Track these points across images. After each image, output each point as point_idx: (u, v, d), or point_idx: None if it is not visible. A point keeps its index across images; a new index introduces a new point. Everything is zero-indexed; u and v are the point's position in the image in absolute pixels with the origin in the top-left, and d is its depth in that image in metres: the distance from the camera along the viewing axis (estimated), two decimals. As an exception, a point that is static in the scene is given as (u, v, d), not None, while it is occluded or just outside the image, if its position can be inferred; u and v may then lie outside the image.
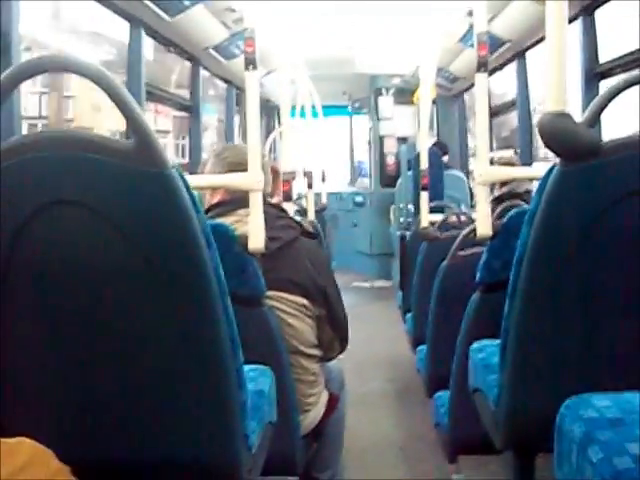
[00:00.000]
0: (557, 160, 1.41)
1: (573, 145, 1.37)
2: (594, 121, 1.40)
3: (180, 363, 1.35)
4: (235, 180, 2.11)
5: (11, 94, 1.30)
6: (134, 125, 1.24)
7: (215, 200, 2.31)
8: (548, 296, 1.48)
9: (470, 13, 4.05)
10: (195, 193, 1.34)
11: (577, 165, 1.38)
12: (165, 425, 1.38)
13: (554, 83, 1.46)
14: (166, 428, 1.38)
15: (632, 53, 3.29)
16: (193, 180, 2.55)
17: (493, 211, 2.93)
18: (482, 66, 2.38)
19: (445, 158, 6.35)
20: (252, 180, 2.03)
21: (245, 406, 1.45)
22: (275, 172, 2.45)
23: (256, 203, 2.02)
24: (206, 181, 2.53)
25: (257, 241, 1.99)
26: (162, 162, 1.24)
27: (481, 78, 2.40)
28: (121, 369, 1.36)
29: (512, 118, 5.98)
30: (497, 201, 3.51)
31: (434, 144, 6.54)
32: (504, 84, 5.84)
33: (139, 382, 1.36)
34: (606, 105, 1.43)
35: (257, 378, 1.74)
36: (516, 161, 4.40)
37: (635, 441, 1.01)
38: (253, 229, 1.99)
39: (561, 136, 1.38)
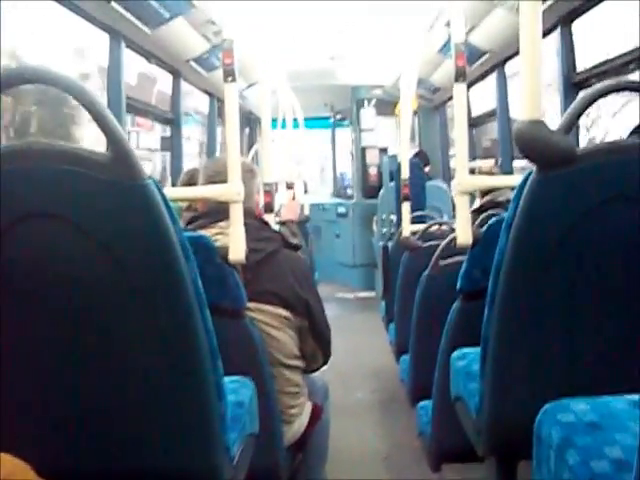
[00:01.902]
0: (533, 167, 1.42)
1: (549, 152, 1.38)
2: (570, 128, 1.41)
3: (159, 375, 1.34)
4: (215, 192, 2.11)
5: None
6: (111, 137, 1.24)
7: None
8: (527, 303, 1.49)
9: (449, 24, 4.08)
10: (174, 205, 1.34)
11: (553, 172, 1.39)
12: (144, 437, 1.38)
13: (530, 91, 1.47)
14: (145, 440, 1.38)
15: (610, 61, 3.32)
16: (174, 192, 2.56)
17: (474, 221, 2.94)
18: (460, 76, 2.39)
19: (427, 169, 6.37)
20: (232, 192, 2.03)
21: (225, 418, 1.45)
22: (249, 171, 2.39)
23: (236, 214, 2.02)
24: (187, 193, 2.53)
25: (238, 252, 1.99)
26: (139, 174, 1.24)
27: (459, 88, 2.42)
28: (99, 381, 1.35)
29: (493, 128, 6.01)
30: (478, 211, 3.52)
31: (415, 155, 6.56)
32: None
33: (118, 394, 1.36)
34: (582, 112, 1.44)
35: (238, 390, 1.74)
36: (496, 171, 4.42)
37: (613, 445, 1.01)
38: (234, 240, 1.99)
39: (537, 143, 1.39)
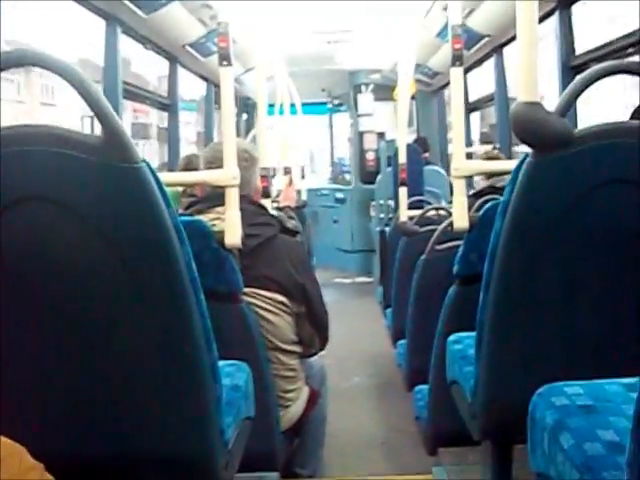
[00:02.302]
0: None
1: (545, 135, 1.37)
2: (566, 111, 1.40)
3: (153, 358, 1.34)
4: (211, 176, 2.10)
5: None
6: (104, 120, 1.24)
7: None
8: (522, 287, 1.49)
9: (447, 7, 4.06)
10: (171, 190, 1.34)
11: (549, 155, 1.39)
12: (139, 420, 1.38)
13: (526, 74, 1.46)
14: (140, 423, 1.38)
15: (608, 44, 3.30)
16: (171, 177, 2.55)
17: (473, 205, 2.94)
18: (457, 60, 2.38)
19: (427, 155, 6.35)
20: (228, 176, 2.03)
21: (220, 401, 1.45)
22: (249, 159, 2.36)
23: (232, 199, 2.01)
24: (184, 178, 2.53)
25: (233, 237, 1.98)
26: (132, 156, 1.23)
27: (456, 72, 2.41)
28: (94, 365, 1.35)
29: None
30: (477, 196, 3.51)
31: (415, 140, 6.54)
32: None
33: (113, 377, 1.36)
34: (578, 95, 1.44)
35: (233, 373, 1.73)
36: (502, 156, 4.40)
37: (606, 427, 1.01)
38: (229, 225, 1.99)
39: (533, 126, 1.39)
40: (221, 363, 1.50)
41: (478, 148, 5.54)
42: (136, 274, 1.28)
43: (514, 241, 1.47)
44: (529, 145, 1.41)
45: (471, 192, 3.76)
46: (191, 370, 1.37)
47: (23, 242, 1.28)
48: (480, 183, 4.05)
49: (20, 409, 1.35)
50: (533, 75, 1.46)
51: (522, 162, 1.43)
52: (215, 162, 2.18)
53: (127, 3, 3.54)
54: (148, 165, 1.26)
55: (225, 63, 2.05)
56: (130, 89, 4.28)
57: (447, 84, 6.71)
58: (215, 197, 2.19)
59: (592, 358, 1.47)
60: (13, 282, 1.30)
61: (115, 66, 3.72)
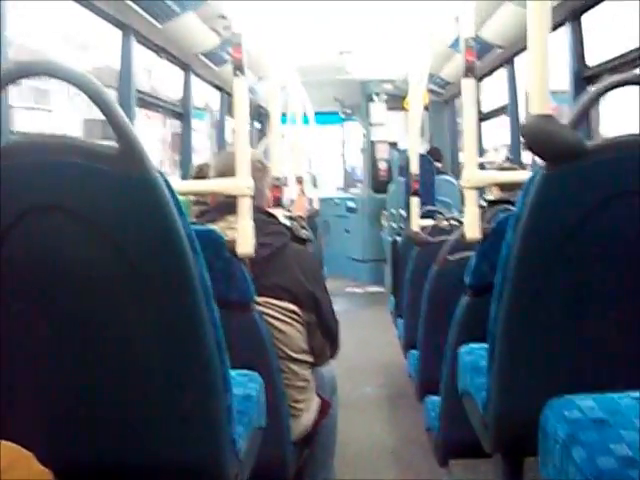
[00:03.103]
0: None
1: (556, 147, 1.37)
2: (578, 123, 1.40)
3: (165, 367, 1.35)
4: (224, 185, 2.11)
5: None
6: (119, 130, 1.25)
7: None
8: (533, 299, 1.48)
9: (458, 20, 4.06)
10: (183, 198, 1.34)
11: (561, 168, 1.38)
12: (150, 428, 1.38)
13: (537, 86, 1.46)
14: (151, 431, 1.38)
15: (620, 57, 3.30)
16: (184, 185, 2.56)
17: (489, 213, 2.94)
18: (469, 71, 2.39)
19: (440, 165, 6.34)
20: (242, 186, 2.04)
21: (231, 410, 1.45)
22: (261, 169, 2.37)
23: (244, 208, 2.02)
24: (197, 186, 2.54)
25: (246, 246, 1.99)
26: (146, 167, 1.24)
27: (468, 83, 2.41)
28: (106, 373, 1.35)
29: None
30: (492, 205, 3.49)
31: (429, 150, 6.54)
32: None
33: (124, 386, 1.36)
34: (590, 107, 1.44)
35: (245, 383, 1.74)
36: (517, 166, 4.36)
37: (619, 442, 1.01)
38: (242, 234, 2.00)
39: (545, 138, 1.39)
40: (233, 372, 1.51)
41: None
42: (149, 284, 1.29)
43: (526, 253, 1.47)
44: (541, 157, 1.40)
45: (488, 199, 3.73)
46: (203, 379, 1.37)
47: (37, 251, 1.29)
48: (494, 193, 4.03)
49: (31, 415, 1.36)
50: (545, 87, 1.46)
51: (535, 174, 1.43)
52: (227, 172, 2.18)
53: (142, 13, 3.57)
54: (163, 176, 1.27)
55: (238, 73, 2.07)
56: (144, 97, 4.31)
57: (459, 94, 6.71)
58: (226, 206, 2.19)
59: (604, 370, 1.46)
60: (26, 289, 1.31)
61: (130, 75, 3.76)
